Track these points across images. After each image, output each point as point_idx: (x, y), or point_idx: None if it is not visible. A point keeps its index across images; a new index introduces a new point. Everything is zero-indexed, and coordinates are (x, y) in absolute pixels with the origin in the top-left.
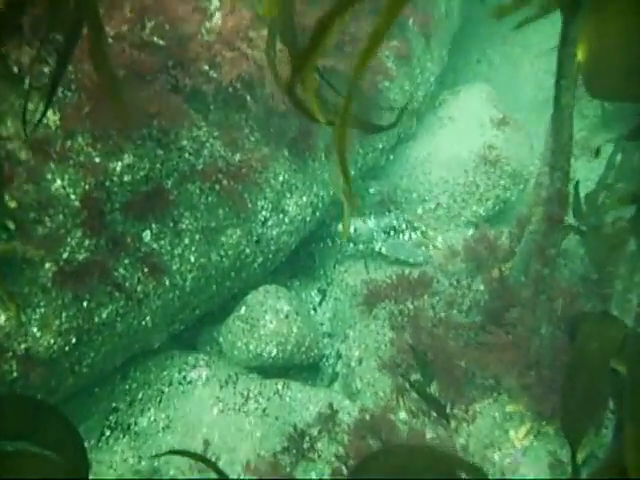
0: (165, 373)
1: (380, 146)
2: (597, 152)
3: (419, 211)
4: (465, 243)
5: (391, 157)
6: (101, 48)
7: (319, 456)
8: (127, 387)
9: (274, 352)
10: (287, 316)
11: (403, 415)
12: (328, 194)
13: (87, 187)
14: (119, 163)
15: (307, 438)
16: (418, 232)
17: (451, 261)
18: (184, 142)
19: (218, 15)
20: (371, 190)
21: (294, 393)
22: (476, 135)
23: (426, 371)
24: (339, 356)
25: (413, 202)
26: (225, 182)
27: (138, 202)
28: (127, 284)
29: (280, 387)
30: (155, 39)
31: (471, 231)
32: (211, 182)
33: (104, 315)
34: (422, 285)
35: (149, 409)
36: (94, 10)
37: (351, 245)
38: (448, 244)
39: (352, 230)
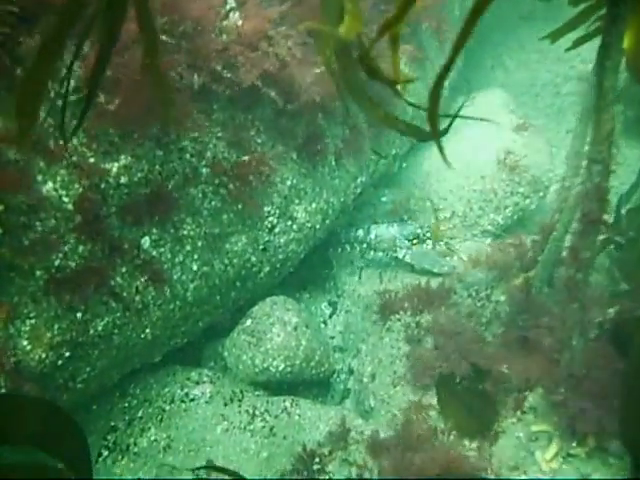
0: (167, 390)
1: (393, 152)
2: None
3: (433, 220)
4: (484, 252)
5: (404, 165)
6: (153, 46)
7: (330, 479)
8: (126, 405)
9: (281, 367)
10: (295, 328)
11: (421, 434)
12: (339, 201)
13: (81, 189)
14: (115, 164)
15: (317, 459)
16: (441, 242)
17: (469, 271)
18: (185, 142)
19: (235, 15)
20: (383, 198)
21: (303, 411)
22: (493, 140)
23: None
24: (351, 372)
25: (427, 211)
26: (230, 186)
27: (136, 206)
28: (125, 293)
29: (288, 404)
30: (165, 37)
31: (489, 240)
32: (214, 186)
33: (100, 327)
34: (439, 296)
35: (149, 428)
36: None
37: (372, 252)
38: (466, 254)
39: (373, 236)
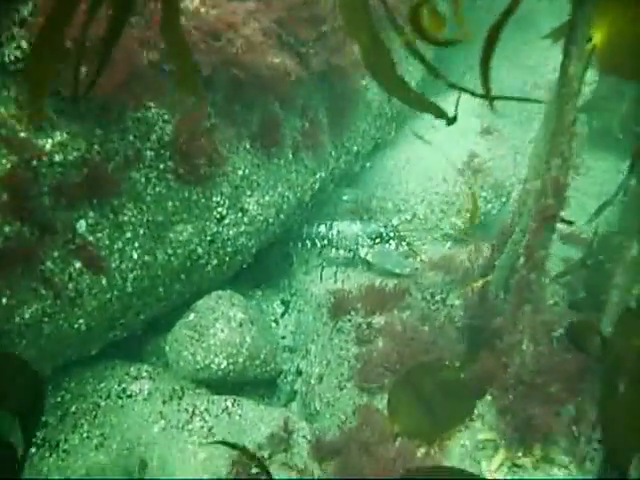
0: (103, 385)
1: (355, 149)
2: None
3: (394, 222)
4: (442, 255)
5: (368, 164)
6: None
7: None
8: (59, 399)
9: (224, 364)
10: (241, 325)
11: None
12: (295, 195)
13: (9, 165)
14: (49, 140)
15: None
16: (404, 243)
17: (426, 274)
18: (128, 123)
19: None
20: (344, 197)
21: (245, 411)
22: (458, 144)
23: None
24: (299, 373)
25: (388, 212)
26: (176, 172)
27: (71, 187)
28: (56, 279)
29: (230, 404)
30: None
31: (449, 244)
32: (159, 170)
33: (27, 315)
34: (393, 298)
35: (82, 425)
36: None
37: (332, 250)
38: (424, 257)
39: (334, 232)
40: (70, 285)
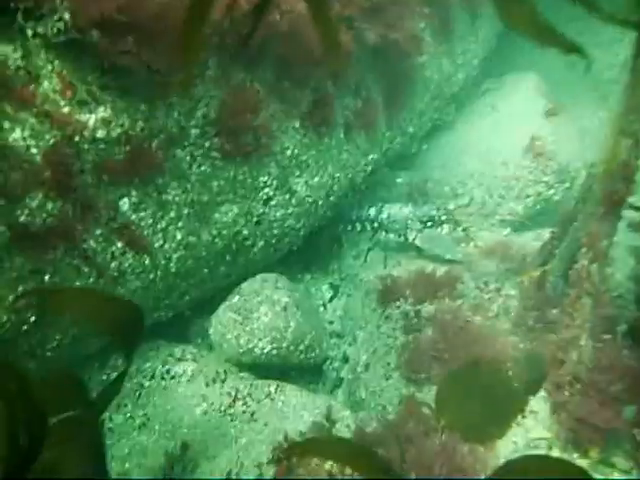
0: (148, 365)
1: (411, 130)
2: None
3: (450, 206)
4: (498, 242)
5: (425, 147)
6: None
7: (310, 472)
8: (104, 377)
9: (267, 348)
10: (285, 309)
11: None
12: (346, 177)
13: (52, 141)
14: (92, 116)
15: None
16: (459, 227)
17: (481, 261)
18: (173, 99)
19: None
20: (398, 180)
21: (288, 398)
22: (519, 125)
23: None
24: (346, 360)
25: (444, 196)
26: (221, 150)
27: (114, 164)
28: (99, 259)
29: (273, 390)
30: None
31: (507, 231)
32: (205, 149)
33: None
34: (445, 285)
35: (126, 405)
36: None
37: (383, 233)
38: (480, 243)
39: (385, 216)
40: (113, 264)
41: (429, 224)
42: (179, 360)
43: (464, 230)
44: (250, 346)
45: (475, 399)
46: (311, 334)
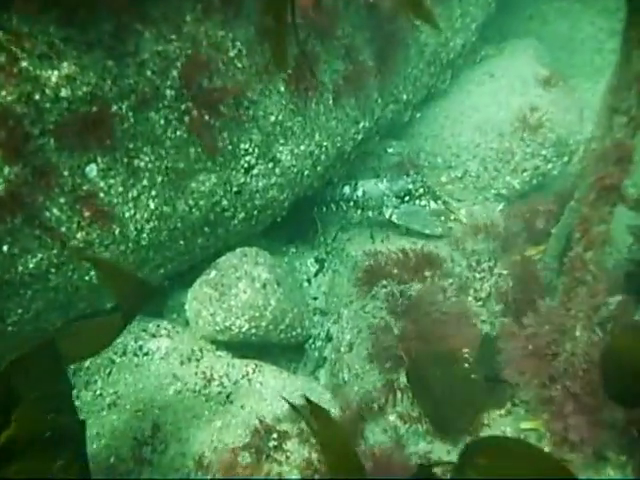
0: (119, 340)
1: (404, 97)
2: None
3: (443, 179)
4: (491, 218)
5: (418, 115)
6: None
7: (287, 458)
8: None
9: (245, 327)
10: (265, 286)
11: (392, 419)
12: (334, 146)
13: (8, 98)
14: (55, 72)
15: (275, 435)
16: (439, 201)
17: (472, 238)
18: (146, 56)
19: None
20: (389, 150)
21: (266, 379)
22: (517, 94)
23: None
24: (329, 338)
25: (437, 167)
26: (197, 113)
27: (80, 126)
28: (62, 228)
29: (250, 370)
30: None
31: (501, 206)
32: (180, 112)
33: (31, 264)
34: (432, 264)
35: (95, 381)
36: None
37: (358, 211)
38: (471, 218)
39: (360, 193)
40: (79, 235)
41: (406, 199)
42: (153, 336)
43: (445, 204)
44: (227, 324)
45: (438, 392)
46: (292, 312)
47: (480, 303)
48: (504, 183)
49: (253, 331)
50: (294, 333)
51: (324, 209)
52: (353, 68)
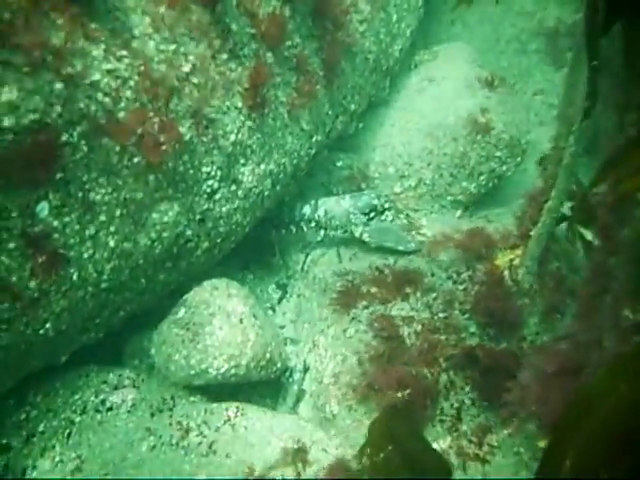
0: (77, 397)
1: (352, 108)
2: None
3: (397, 189)
4: (453, 226)
5: (360, 125)
6: None
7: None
8: (23, 417)
9: (224, 368)
10: (242, 320)
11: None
12: (291, 163)
13: None
14: None
15: None
16: (401, 215)
17: (443, 249)
18: (96, 76)
19: None
20: (338, 163)
21: (251, 422)
22: (464, 97)
23: None
24: (306, 369)
25: (389, 178)
26: (156, 138)
27: (28, 160)
28: (13, 278)
29: (232, 414)
30: None
31: (459, 212)
32: (137, 136)
33: None
34: (413, 279)
35: (53, 447)
36: None
37: (321, 232)
38: (434, 228)
39: (321, 213)
40: (32, 283)
41: (372, 215)
42: (115, 388)
43: (407, 218)
44: (203, 366)
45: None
46: (271, 346)
47: (467, 316)
48: (461, 189)
49: (233, 371)
50: (274, 368)
51: (283, 231)
52: (304, 79)
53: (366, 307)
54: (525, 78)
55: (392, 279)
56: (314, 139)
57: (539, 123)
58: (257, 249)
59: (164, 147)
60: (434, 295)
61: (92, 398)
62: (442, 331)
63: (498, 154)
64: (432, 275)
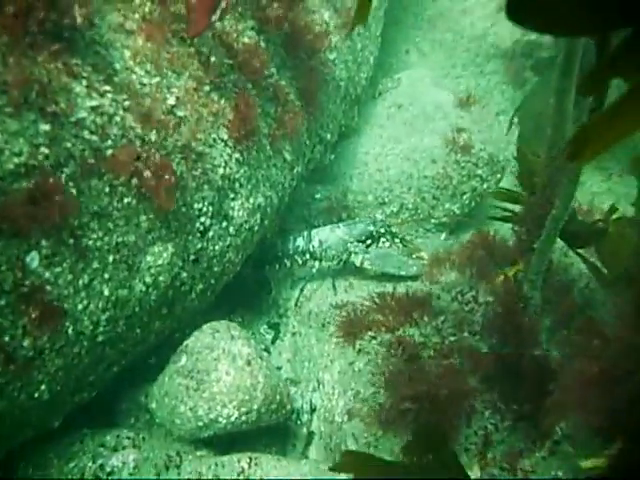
0: (73, 465)
1: (328, 137)
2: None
3: (378, 217)
4: (442, 248)
5: (332, 157)
6: None
7: None
8: None
9: (235, 415)
10: (249, 363)
11: None
12: (277, 196)
13: None
14: None
15: None
16: (397, 239)
17: (440, 271)
18: (82, 114)
19: None
20: (317, 195)
21: (267, 471)
22: (437, 119)
23: None
24: (313, 410)
25: (369, 206)
26: (146, 174)
27: (14, 207)
28: (6, 338)
29: (245, 465)
30: None
31: (444, 235)
32: (127, 174)
33: None
34: (419, 304)
35: None
36: None
37: (316, 263)
38: (423, 253)
39: (316, 243)
40: (26, 342)
41: (369, 242)
42: (114, 450)
43: (402, 241)
44: (212, 416)
45: None
46: (280, 387)
47: (477, 337)
48: (444, 210)
49: (244, 418)
50: (284, 411)
51: (277, 266)
52: (282, 109)
53: (373, 337)
54: (486, 100)
55: (397, 305)
56: (295, 170)
57: (506, 142)
58: (241, 291)
59: (154, 184)
60: (442, 318)
61: (89, 464)
62: (456, 355)
63: (479, 172)
64: (438, 298)
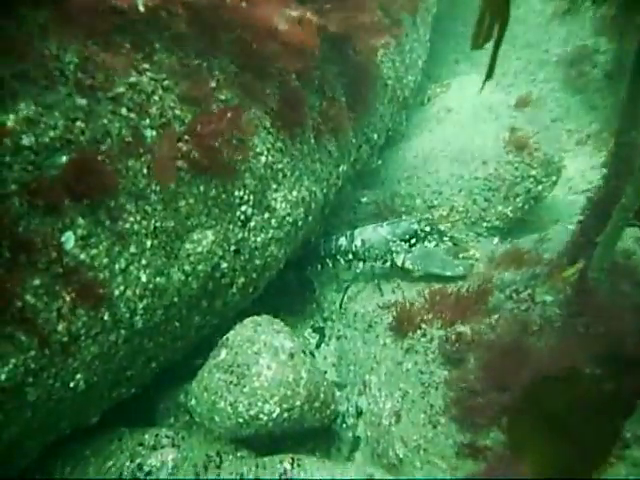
0: (110, 464)
1: (375, 137)
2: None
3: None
4: (501, 249)
5: (379, 162)
6: None
7: None
8: None
9: (276, 412)
10: (292, 356)
11: None
12: (321, 191)
13: None
14: (11, 117)
15: None
16: (445, 238)
17: (493, 270)
18: (120, 89)
19: None
20: (363, 199)
21: (310, 472)
22: (488, 120)
23: None
24: (359, 413)
25: (418, 209)
26: (187, 158)
27: (50, 183)
28: (40, 319)
29: (288, 466)
30: None
31: (496, 240)
32: (164, 157)
33: (3, 375)
34: (473, 301)
35: None
36: None
37: (360, 264)
38: (474, 251)
39: (358, 243)
40: (60, 326)
41: (413, 241)
42: (153, 449)
43: (452, 239)
44: (253, 412)
45: (559, 429)
46: (324, 385)
47: (535, 337)
48: (496, 213)
49: (286, 415)
50: (328, 412)
51: (320, 267)
52: (328, 104)
53: (423, 336)
54: (539, 107)
55: (449, 303)
56: (340, 168)
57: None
58: (284, 294)
59: (195, 167)
60: (496, 317)
61: (127, 463)
62: (513, 355)
63: (533, 173)
64: (491, 296)
